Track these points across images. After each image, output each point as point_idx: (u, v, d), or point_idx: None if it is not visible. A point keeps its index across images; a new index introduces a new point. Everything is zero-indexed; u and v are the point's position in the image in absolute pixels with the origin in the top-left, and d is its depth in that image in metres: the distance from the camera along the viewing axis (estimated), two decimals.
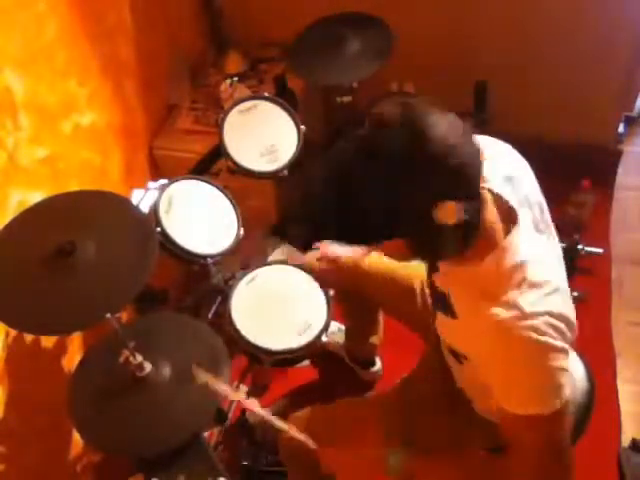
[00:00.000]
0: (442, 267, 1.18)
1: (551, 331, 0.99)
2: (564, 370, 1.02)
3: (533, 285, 1.01)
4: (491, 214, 1.03)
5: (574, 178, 2.32)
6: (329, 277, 1.67)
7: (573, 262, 2.25)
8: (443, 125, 0.92)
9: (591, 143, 2.54)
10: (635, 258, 2.41)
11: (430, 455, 1.32)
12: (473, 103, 2.22)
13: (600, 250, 2.33)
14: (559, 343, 1.00)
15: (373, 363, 2.09)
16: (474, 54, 2.38)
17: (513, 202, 1.06)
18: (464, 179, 0.93)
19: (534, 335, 0.98)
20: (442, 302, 1.18)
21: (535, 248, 1.05)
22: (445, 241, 0.98)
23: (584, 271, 2.30)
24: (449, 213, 0.92)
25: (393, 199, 0.92)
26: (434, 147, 0.90)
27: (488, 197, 1.04)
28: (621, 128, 2.63)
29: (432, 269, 1.23)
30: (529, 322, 0.99)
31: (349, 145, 0.96)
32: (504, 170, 1.10)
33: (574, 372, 1.40)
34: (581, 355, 1.45)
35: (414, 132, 0.90)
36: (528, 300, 1.00)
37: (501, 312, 1.00)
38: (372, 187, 0.92)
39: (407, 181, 0.90)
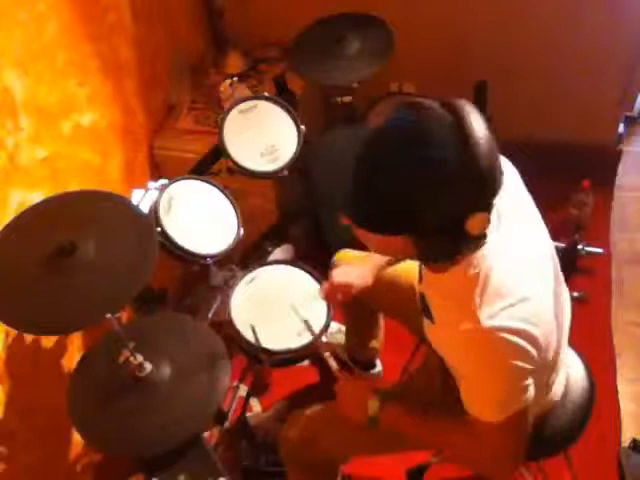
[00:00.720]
0: (424, 275, 1.19)
1: (505, 347, 1.00)
2: (518, 386, 1.04)
3: (495, 296, 1.01)
4: None
5: (574, 178, 2.32)
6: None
7: (573, 262, 2.25)
8: (486, 137, 0.91)
9: (591, 143, 2.54)
10: (635, 258, 2.41)
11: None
12: (473, 103, 2.22)
13: (600, 250, 2.33)
14: (516, 362, 1.00)
15: (374, 365, 2.08)
16: (474, 54, 2.38)
17: None
18: (495, 192, 0.94)
19: (488, 351, 1.00)
20: (425, 307, 1.19)
21: (503, 255, 1.04)
22: (459, 248, 0.99)
23: (584, 271, 2.30)
24: (480, 224, 0.94)
25: (433, 196, 0.91)
26: (484, 162, 0.90)
27: None
28: (621, 128, 2.63)
29: (420, 277, 1.24)
30: (485, 336, 0.99)
31: (395, 125, 0.94)
32: None
33: (574, 372, 1.41)
34: (581, 355, 1.45)
35: (465, 141, 0.89)
36: (487, 313, 1.00)
37: (465, 322, 1.01)
38: (417, 176, 0.91)
39: (453, 187, 0.90)
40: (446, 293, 1.08)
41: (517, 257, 1.07)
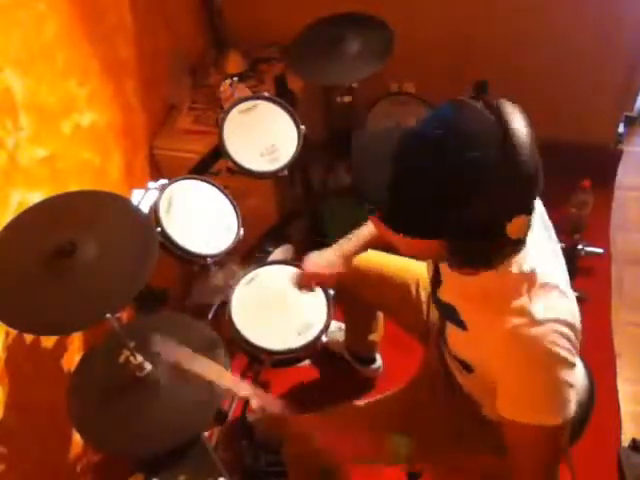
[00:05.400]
0: (447, 280, 1.17)
1: (561, 340, 0.98)
2: (571, 385, 1.02)
3: (542, 291, 1.00)
4: None
5: (574, 178, 2.32)
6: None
7: (573, 262, 2.25)
8: (528, 139, 0.89)
9: (591, 143, 2.54)
10: (635, 258, 2.41)
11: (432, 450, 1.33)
12: None
13: (600, 250, 2.33)
14: (568, 355, 1.00)
15: (373, 360, 2.09)
16: (474, 54, 2.38)
17: None
18: (536, 195, 0.92)
19: (545, 343, 0.98)
20: (451, 315, 1.16)
21: (541, 252, 1.04)
22: (498, 252, 0.96)
23: (584, 271, 2.30)
24: (520, 228, 0.91)
25: (468, 200, 0.88)
26: (526, 165, 0.88)
27: None
28: (621, 128, 2.63)
29: (436, 283, 1.22)
30: (540, 329, 0.97)
31: (433, 125, 0.92)
32: None
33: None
34: (581, 355, 1.45)
35: (507, 143, 0.87)
36: (538, 307, 0.98)
37: (512, 319, 0.99)
38: (452, 180, 0.88)
39: (492, 190, 0.87)
40: (481, 295, 1.05)
41: (550, 252, 1.08)
